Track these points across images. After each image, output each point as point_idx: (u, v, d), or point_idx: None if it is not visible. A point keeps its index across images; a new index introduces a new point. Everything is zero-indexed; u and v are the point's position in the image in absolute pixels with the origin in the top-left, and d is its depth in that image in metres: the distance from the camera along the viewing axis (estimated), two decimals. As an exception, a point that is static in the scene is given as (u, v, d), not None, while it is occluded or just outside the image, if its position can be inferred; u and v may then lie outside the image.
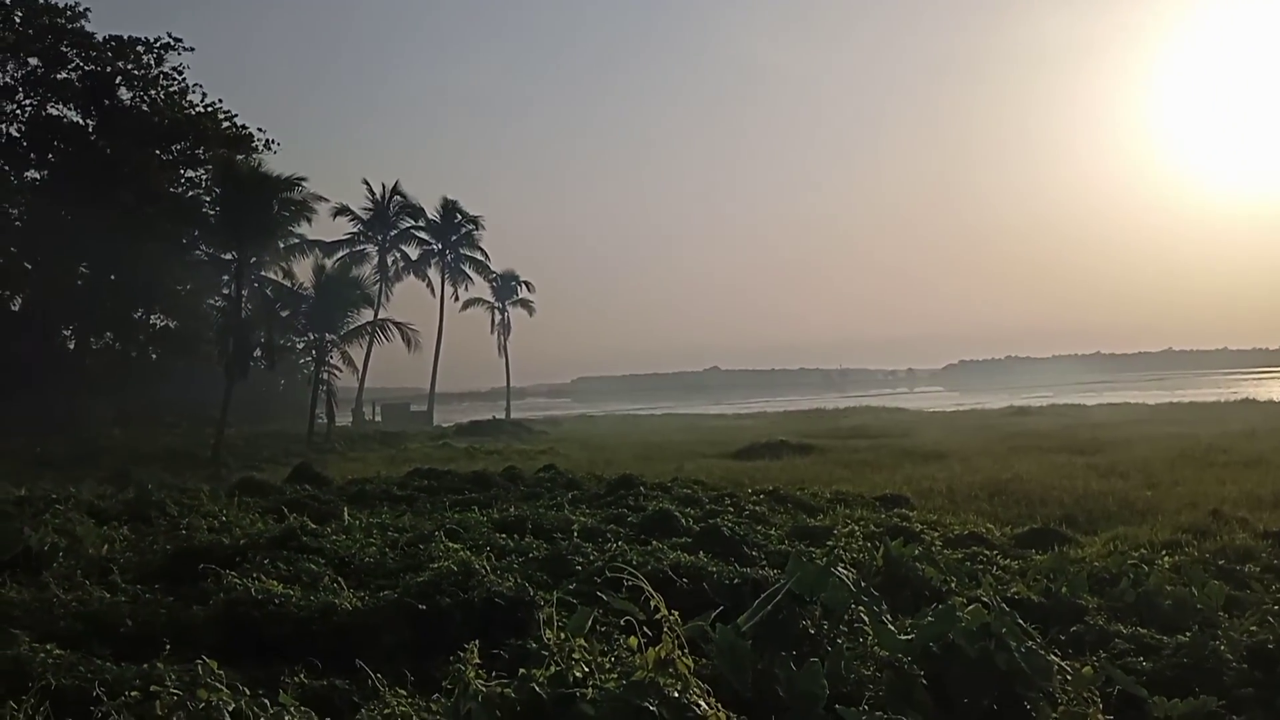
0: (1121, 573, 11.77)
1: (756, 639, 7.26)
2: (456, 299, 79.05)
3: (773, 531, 15.50)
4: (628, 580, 5.73)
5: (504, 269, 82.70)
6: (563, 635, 4.51)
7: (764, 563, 12.30)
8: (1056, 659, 7.02)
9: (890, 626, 7.55)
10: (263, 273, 55.01)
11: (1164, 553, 13.69)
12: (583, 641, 4.55)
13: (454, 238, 77.82)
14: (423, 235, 76.36)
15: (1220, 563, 12.99)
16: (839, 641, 7.61)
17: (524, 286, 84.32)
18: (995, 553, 14.36)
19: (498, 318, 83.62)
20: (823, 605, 7.79)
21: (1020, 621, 7.31)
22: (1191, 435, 35.26)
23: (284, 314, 52.46)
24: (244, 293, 48.64)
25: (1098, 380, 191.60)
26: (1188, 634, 8.69)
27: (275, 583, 10.02)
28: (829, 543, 13.38)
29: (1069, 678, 6.72)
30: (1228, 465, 26.23)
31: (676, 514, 15.91)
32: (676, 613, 4.57)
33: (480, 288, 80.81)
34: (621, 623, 7.60)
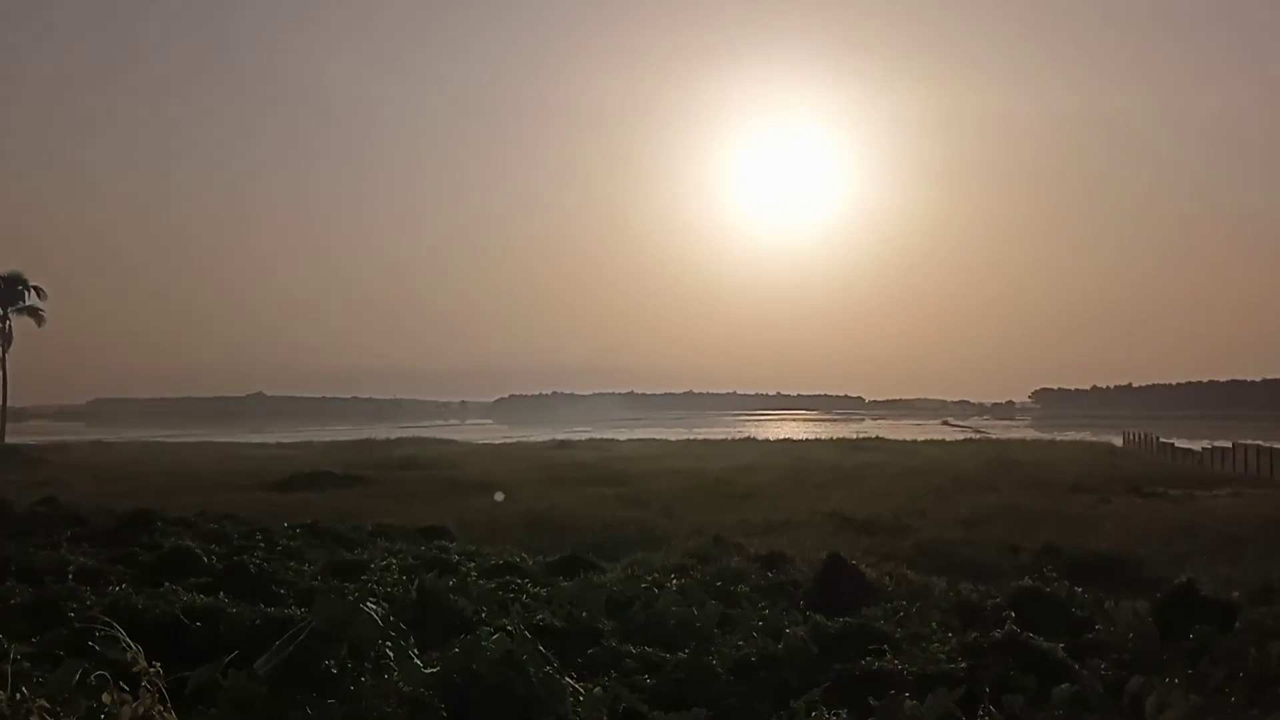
0: (636, 596, 12.75)
1: (274, 684, 6.82)
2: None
3: (306, 568, 14.83)
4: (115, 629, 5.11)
5: (8, 270, 71.83)
6: (19, 695, 3.90)
7: (292, 601, 11.70)
8: (571, 682, 7.39)
9: (417, 660, 7.49)
10: None
11: (673, 576, 15.06)
12: (44, 701, 3.98)
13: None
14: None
15: (718, 584, 14.56)
16: (363, 680, 7.40)
17: (34, 292, 73.73)
18: (527, 581, 14.90)
19: (-4, 326, 72.11)
20: (350, 643, 7.53)
21: (541, 648, 7.60)
22: (703, 469, 39.51)
23: None
24: None
25: (631, 417, 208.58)
26: (687, 651, 9.61)
27: None
28: (363, 577, 13.07)
29: (581, 699, 7.09)
30: (730, 496, 29.72)
31: (198, 551, 14.65)
32: (158, 664, 4.15)
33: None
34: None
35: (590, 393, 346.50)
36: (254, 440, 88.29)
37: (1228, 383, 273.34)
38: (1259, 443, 50.99)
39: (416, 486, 33.63)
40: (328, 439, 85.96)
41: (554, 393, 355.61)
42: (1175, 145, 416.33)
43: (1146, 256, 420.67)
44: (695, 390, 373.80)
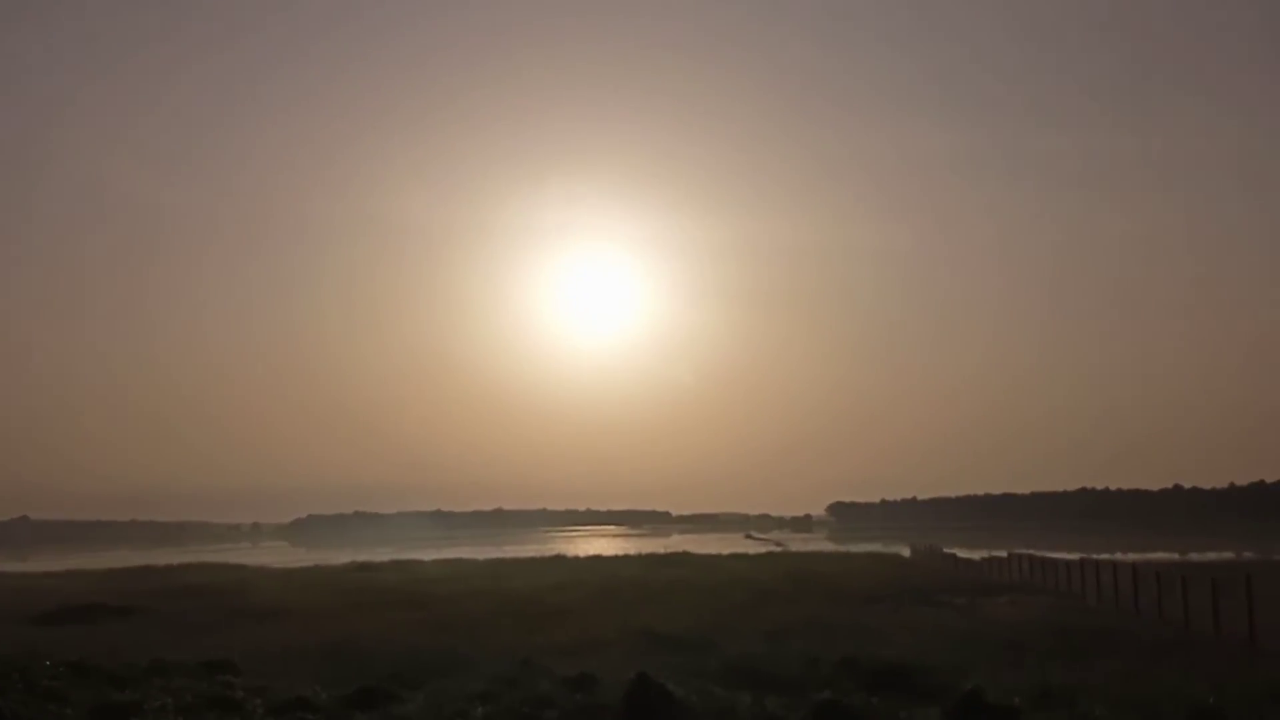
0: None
1: None
2: None
3: (68, 711, 13.45)
4: None
5: None
6: None
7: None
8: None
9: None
10: None
11: (479, 703, 14.56)
12: None
13: None
14: None
15: (525, 710, 14.17)
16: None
17: None
18: (320, 716, 14.04)
19: None
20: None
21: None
22: (511, 589, 38.68)
23: None
24: None
25: (438, 536, 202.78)
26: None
27: None
28: (136, 720, 11.98)
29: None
30: (538, 616, 29.14)
31: (-60, 698, 13.05)
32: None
33: None
34: None
35: (394, 512, 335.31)
36: (16, 569, 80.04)
37: (1001, 495, 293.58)
38: (1031, 551, 54.76)
39: (200, 616, 31.25)
40: (101, 566, 78.84)
41: (355, 512, 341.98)
42: (944, 276, 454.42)
43: (926, 377, 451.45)
44: (505, 507, 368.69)
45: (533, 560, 69.85)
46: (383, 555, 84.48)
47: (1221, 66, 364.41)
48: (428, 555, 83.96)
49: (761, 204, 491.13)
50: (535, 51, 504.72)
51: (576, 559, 73.72)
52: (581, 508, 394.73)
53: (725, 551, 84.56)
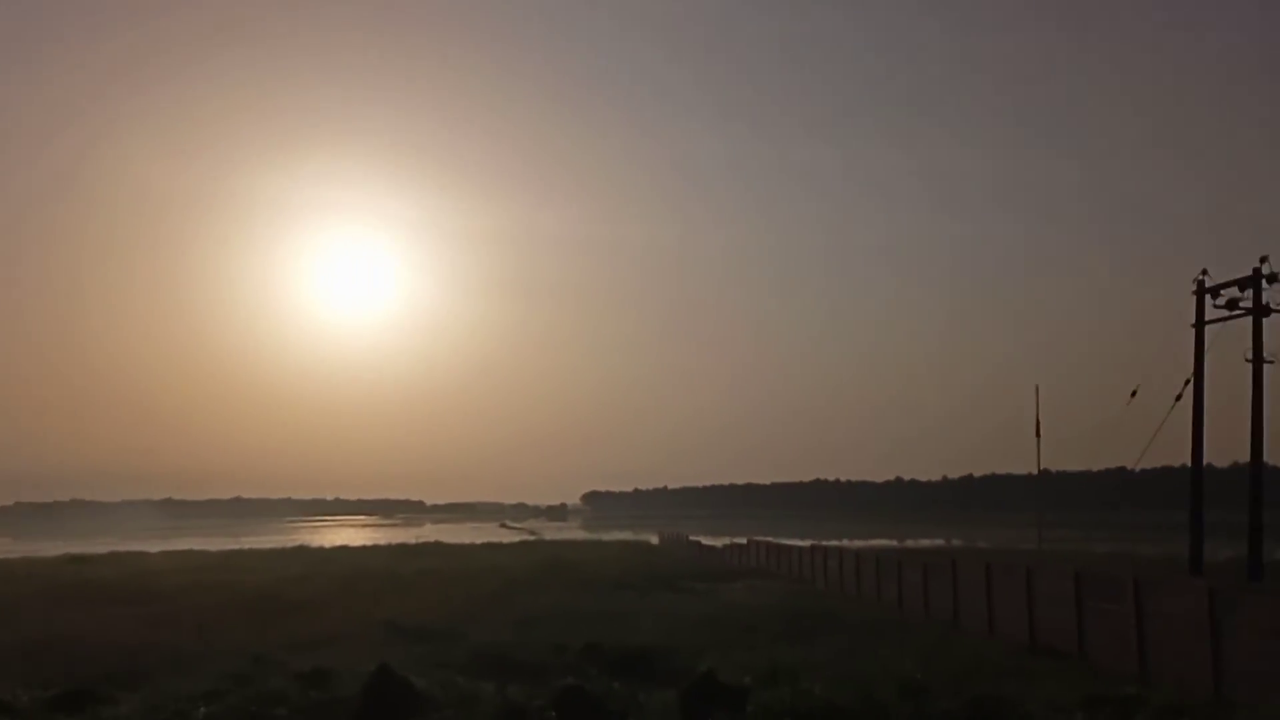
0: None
1: None
2: None
3: None
4: None
5: None
6: None
7: None
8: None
9: None
10: None
11: (202, 704, 13.67)
12: None
13: None
14: None
15: (254, 708, 13.44)
16: None
17: None
18: (18, 723, 12.74)
19: None
20: None
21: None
22: (246, 582, 36.62)
23: None
24: None
25: (167, 526, 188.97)
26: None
27: None
28: None
29: None
30: (275, 610, 27.76)
31: None
32: None
33: None
34: None
35: (118, 500, 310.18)
36: None
37: (744, 485, 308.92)
38: (769, 539, 57.94)
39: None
40: None
41: (71, 500, 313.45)
42: (708, 274, 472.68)
43: (683, 371, 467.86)
44: (245, 496, 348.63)
45: (272, 552, 66.59)
46: (101, 547, 77.69)
47: (973, 92, 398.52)
48: (153, 547, 78.17)
49: (532, 195, 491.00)
50: (301, 9, 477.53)
51: (320, 550, 71.06)
52: (329, 497, 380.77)
53: (479, 541, 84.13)
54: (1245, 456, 25.87)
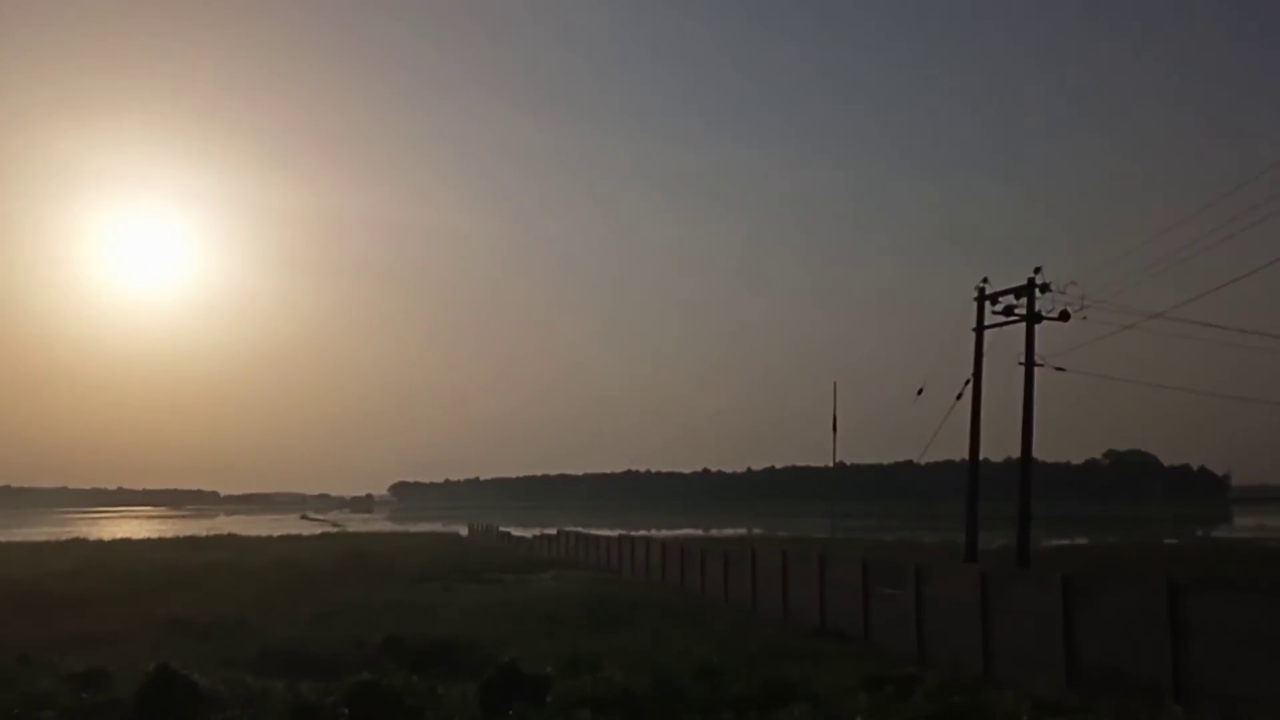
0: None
1: None
2: None
3: None
4: None
5: None
6: None
7: None
8: None
9: None
10: None
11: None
12: None
13: None
14: None
15: (17, 711, 12.44)
16: None
17: None
18: None
19: None
20: None
21: None
22: (11, 576, 33.79)
23: None
24: None
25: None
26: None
27: None
28: None
29: None
30: (45, 607, 25.78)
31: None
32: None
33: None
34: None
35: None
36: None
37: (557, 476, 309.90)
38: (579, 529, 58.37)
39: None
40: None
41: None
42: (514, 262, 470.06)
43: (494, 361, 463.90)
44: (14, 485, 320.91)
45: (43, 545, 61.75)
46: None
47: (761, 96, 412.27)
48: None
49: (340, 174, 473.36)
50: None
51: (99, 543, 66.54)
52: (111, 486, 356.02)
53: (276, 534, 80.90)
54: (1018, 452, 27.95)
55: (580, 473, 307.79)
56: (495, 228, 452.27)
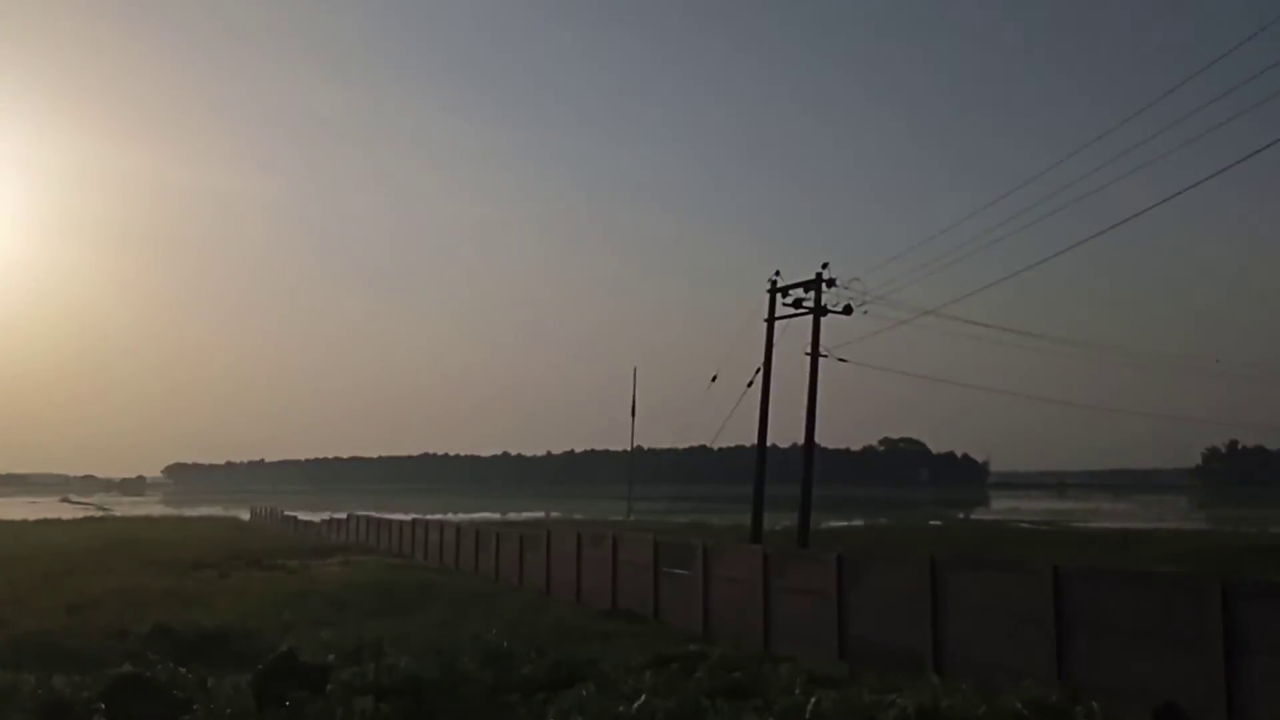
0: None
1: None
2: None
3: None
4: None
5: None
6: None
7: None
8: None
9: None
10: None
11: None
12: None
13: None
14: None
15: None
16: None
17: None
18: None
19: None
20: None
21: None
22: None
23: None
24: None
25: None
26: None
27: None
28: None
29: None
30: None
31: None
32: None
33: None
34: None
35: None
36: None
37: (350, 459, 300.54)
38: (370, 513, 56.76)
39: None
40: None
41: None
42: (322, 235, 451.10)
43: (284, 337, 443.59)
44: None
45: None
46: None
47: (593, 83, 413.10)
48: None
49: (117, 129, 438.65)
50: None
51: None
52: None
53: (32, 517, 74.69)
54: (803, 438, 29.26)
55: (374, 455, 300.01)
56: (293, 198, 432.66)
